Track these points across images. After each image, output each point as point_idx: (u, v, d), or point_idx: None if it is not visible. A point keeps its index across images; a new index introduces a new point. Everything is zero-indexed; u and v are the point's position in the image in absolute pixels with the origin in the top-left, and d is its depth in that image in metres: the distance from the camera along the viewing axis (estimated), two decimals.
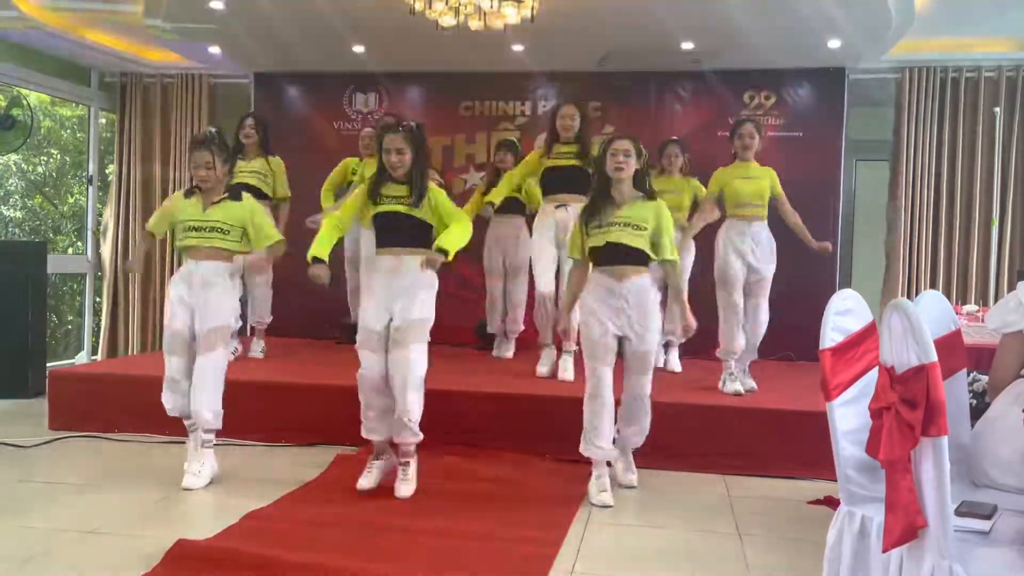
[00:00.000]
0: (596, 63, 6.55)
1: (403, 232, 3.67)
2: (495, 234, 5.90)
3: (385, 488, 3.75)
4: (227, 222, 3.89)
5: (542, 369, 5.08)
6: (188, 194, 3.97)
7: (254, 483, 3.90)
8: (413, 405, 3.62)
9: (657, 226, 3.68)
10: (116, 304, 7.41)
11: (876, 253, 6.80)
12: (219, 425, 3.90)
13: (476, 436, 4.44)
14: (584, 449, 3.75)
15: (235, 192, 3.98)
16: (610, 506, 3.68)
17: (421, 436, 3.71)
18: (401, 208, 3.66)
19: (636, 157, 3.69)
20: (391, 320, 3.64)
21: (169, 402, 3.90)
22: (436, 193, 3.71)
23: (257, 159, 5.51)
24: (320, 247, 3.67)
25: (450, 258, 3.59)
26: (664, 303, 4.49)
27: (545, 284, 4.94)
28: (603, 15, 5.51)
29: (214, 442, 3.95)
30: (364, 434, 3.78)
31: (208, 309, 3.84)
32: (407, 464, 3.75)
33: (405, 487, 3.70)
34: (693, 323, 3.77)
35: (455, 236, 3.62)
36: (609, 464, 3.86)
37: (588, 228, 3.73)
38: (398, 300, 3.64)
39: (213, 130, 4.07)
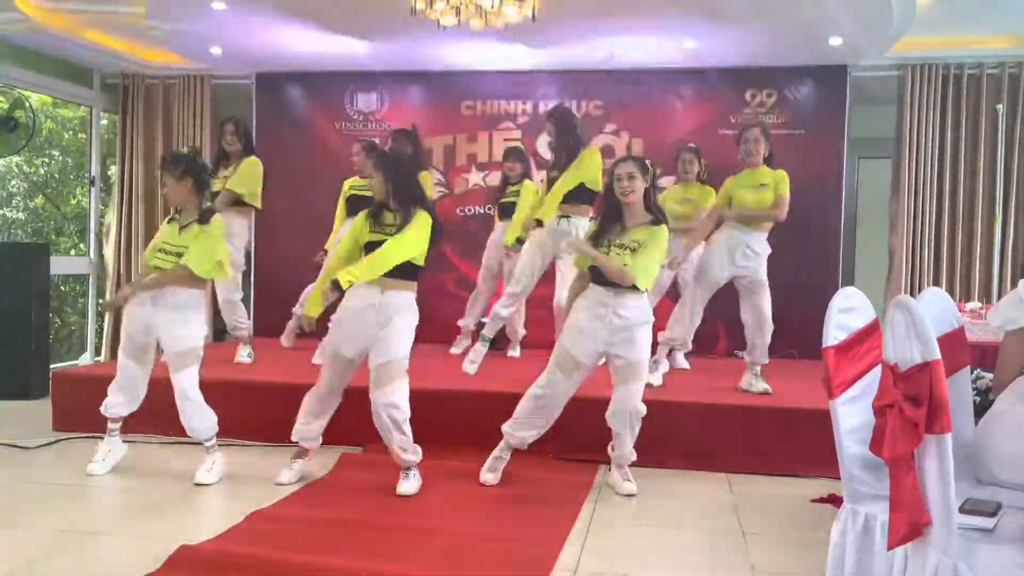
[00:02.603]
0: (598, 61, 6.54)
1: None
2: (497, 237, 5.88)
3: (388, 489, 3.75)
4: (188, 248, 3.88)
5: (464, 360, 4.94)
6: (170, 220, 4.03)
7: (257, 484, 3.91)
8: (405, 443, 3.70)
9: (644, 245, 3.68)
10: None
11: (879, 250, 6.79)
12: (216, 430, 3.98)
13: (478, 435, 4.43)
14: (507, 428, 3.87)
15: (205, 215, 3.95)
16: (494, 485, 3.84)
17: (419, 456, 3.77)
18: (386, 238, 3.65)
19: (642, 176, 3.72)
20: (368, 352, 3.68)
21: (110, 400, 3.95)
22: (414, 223, 3.64)
23: (235, 166, 5.37)
24: (314, 305, 3.69)
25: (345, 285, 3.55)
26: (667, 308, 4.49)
27: (517, 284, 4.87)
28: (604, 13, 5.50)
29: (216, 443, 4.00)
30: (298, 439, 3.88)
31: (175, 334, 3.87)
32: (408, 468, 3.78)
33: (408, 485, 3.73)
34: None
35: (371, 260, 3.59)
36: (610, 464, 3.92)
37: (596, 246, 3.74)
38: (376, 333, 3.64)
39: (184, 151, 4.07)
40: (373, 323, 3.65)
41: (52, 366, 6.17)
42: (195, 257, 3.86)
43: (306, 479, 3.93)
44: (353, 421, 4.52)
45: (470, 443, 4.37)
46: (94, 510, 3.50)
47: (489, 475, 3.89)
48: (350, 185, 5.93)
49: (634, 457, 3.90)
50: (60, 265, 7.46)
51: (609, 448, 3.90)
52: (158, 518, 3.45)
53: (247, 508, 3.46)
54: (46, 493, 3.76)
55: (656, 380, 4.71)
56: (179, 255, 3.87)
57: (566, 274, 4.75)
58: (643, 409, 3.79)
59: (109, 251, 7.45)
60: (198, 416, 3.92)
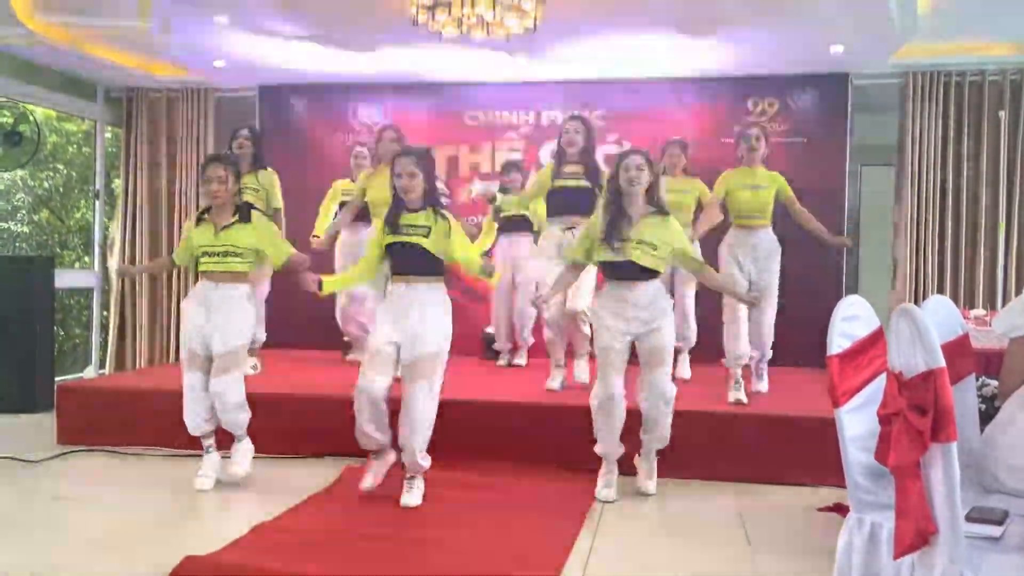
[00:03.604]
0: (603, 73, 6.56)
1: (419, 263, 3.73)
2: (503, 251, 5.91)
3: (392, 499, 3.74)
4: (239, 245, 3.98)
5: (552, 384, 5.03)
6: (198, 221, 4.09)
7: (262, 495, 3.91)
8: (421, 444, 3.70)
9: (670, 245, 3.82)
10: (123, 318, 7.43)
11: (883, 258, 6.78)
12: (247, 423, 4.08)
13: (483, 446, 4.43)
14: (597, 448, 3.92)
15: (244, 213, 4.05)
16: (612, 501, 3.82)
17: (428, 464, 3.78)
18: (416, 240, 3.71)
19: (649, 169, 3.81)
20: (401, 347, 3.70)
21: (190, 422, 4.03)
22: (451, 226, 3.75)
23: (248, 175, 5.36)
24: (334, 282, 3.92)
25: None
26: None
27: (555, 307, 4.88)
28: (606, 24, 5.52)
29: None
30: (362, 445, 3.82)
31: (226, 331, 3.95)
32: (413, 478, 3.77)
33: (411, 497, 3.72)
34: (749, 297, 4.25)
35: (475, 254, 3.88)
36: (620, 463, 3.98)
37: (605, 243, 3.81)
38: (411, 328, 3.68)
39: (228, 153, 4.33)
40: (409, 313, 3.68)
41: (57, 379, 6.17)
42: (282, 244, 4.12)
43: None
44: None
45: (473, 453, 4.37)
46: (99, 523, 3.50)
47: (606, 491, 3.88)
48: (342, 189, 6.01)
49: (666, 442, 3.94)
50: (65, 278, 7.47)
51: (641, 432, 3.93)
52: (163, 530, 3.45)
53: (252, 519, 3.45)
54: (51, 506, 3.76)
55: (738, 398, 4.70)
56: (229, 253, 3.96)
57: (581, 285, 4.73)
58: (672, 391, 3.86)
59: (114, 263, 7.48)
60: (239, 411, 4.02)
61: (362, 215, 5.60)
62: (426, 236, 3.71)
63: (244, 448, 4.09)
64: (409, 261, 3.74)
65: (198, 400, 3.99)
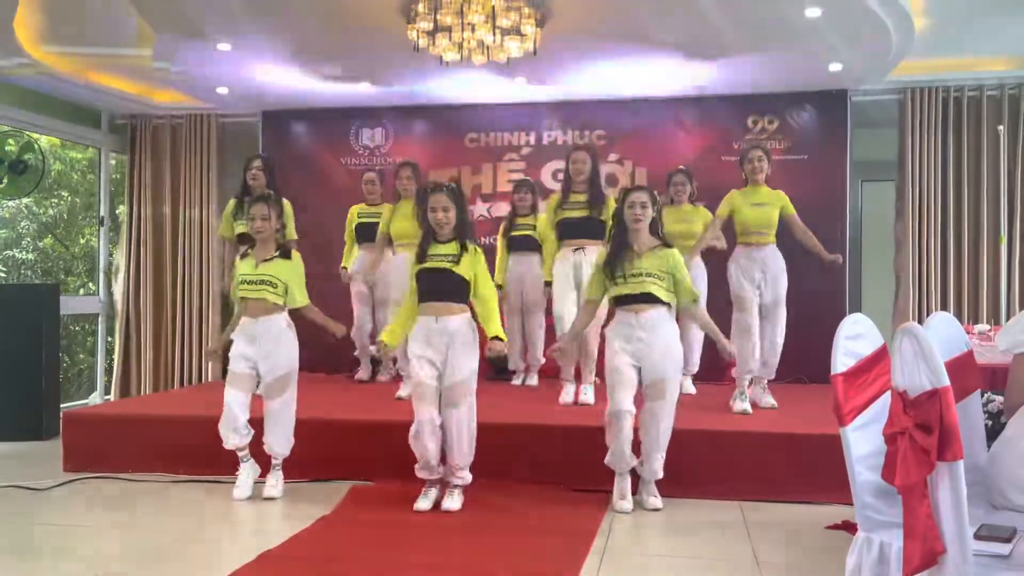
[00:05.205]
0: (603, 93, 6.60)
1: (447, 288, 3.93)
2: (513, 272, 5.94)
3: (399, 522, 3.74)
4: (276, 277, 4.23)
5: (565, 398, 5.20)
6: (243, 256, 4.38)
7: (269, 519, 3.91)
8: (465, 459, 3.94)
9: (672, 275, 3.97)
10: (128, 344, 7.44)
11: (885, 274, 6.78)
12: (288, 452, 4.30)
13: (492, 466, 4.41)
14: (607, 460, 3.99)
15: (286, 251, 4.32)
16: (629, 512, 3.91)
17: (470, 479, 3.98)
18: (446, 265, 3.92)
19: (652, 206, 4.00)
20: (440, 373, 3.91)
21: (226, 437, 4.21)
22: (478, 256, 3.95)
23: None
24: (394, 332, 4.07)
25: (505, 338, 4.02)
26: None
27: (562, 324, 5.03)
28: (604, 46, 5.56)
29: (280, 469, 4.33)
30: (421, 475, 3.97)
31: (275, 360, 4.22)
32: (456, 487, 3.97)
33: (451, 502, 3.93)
34: (730, 348, 4.08)
35: (496, 315, 3.97)
36: (632, 475, 4.06)
37: (612, 277, 4.00)
38: (445, 355, 3.90)
39: (269, 191, 4.64)
40: (440, 341, 3.89)
41: (62, 406, 6.18)
42: (300, 293, 4.32)
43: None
44: (363, 454, 4.52)
45: (485, 473, 4.34)
46: (106, 551, 3.49)
47: (621, 502, 3.96)
48: (357, 212, 6.16)
49: (661, 474, 4.02)
50: (70, 305, 7.50)
51: (637, 464, 4.01)
52: (171, 557, 3.44)
53: (259, 545, 3.44)
54: (58, 534, 3.76)
55: (744, 408, 4.90)
56: (264, 283, 4.21)
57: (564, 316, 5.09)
58: (668, 427, 3.96)
59: (118, 290, 7.50)
60: (285, 438, 4.27)
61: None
62: (455, 263, 3.89)
63: (279, 477, 4.30)
64: (438, 286, 3.92)
65: (235, 414, 4.16)
